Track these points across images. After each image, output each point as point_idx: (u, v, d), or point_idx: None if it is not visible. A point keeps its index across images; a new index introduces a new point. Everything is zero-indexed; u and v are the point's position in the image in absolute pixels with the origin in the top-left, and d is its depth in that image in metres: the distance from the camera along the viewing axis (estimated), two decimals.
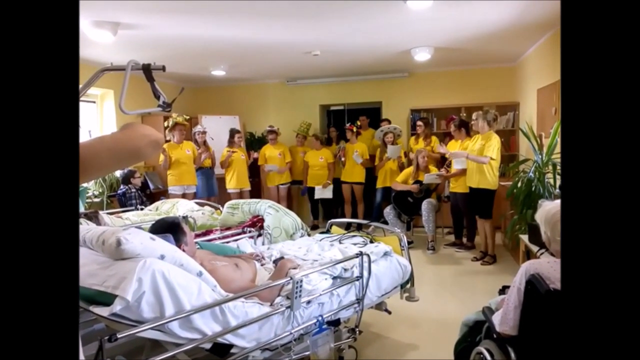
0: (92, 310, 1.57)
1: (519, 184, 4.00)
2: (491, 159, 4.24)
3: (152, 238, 1.74)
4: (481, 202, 4.40)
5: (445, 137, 6.26)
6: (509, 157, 6.01)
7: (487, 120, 4.36)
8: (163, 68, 1.77)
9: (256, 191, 6.57)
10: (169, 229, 1.97)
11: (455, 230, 5.25)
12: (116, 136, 0.85)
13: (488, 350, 1.71)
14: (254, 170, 6.51)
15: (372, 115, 6.86)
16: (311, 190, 6.28)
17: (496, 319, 1.67)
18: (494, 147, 4.26)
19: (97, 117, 5.83)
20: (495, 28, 4.33)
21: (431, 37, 4.63)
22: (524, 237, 3.44)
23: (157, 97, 1.79)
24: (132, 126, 0.90)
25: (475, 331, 2.01)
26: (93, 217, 2.93)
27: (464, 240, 5.14)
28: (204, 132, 5.68)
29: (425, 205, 4.98)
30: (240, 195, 5.93)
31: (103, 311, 1.53)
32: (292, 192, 6.67)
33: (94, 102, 5.79)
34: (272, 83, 7.19)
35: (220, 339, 1.73)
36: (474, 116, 4.50)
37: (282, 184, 6.29)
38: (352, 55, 5.42)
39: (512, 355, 1.59)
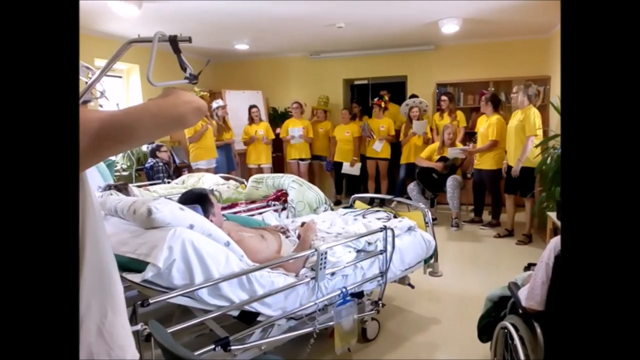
0: (125, 277, 1.63)
1: (548, 161, 3.89)
2: (535, 136, 4.15)
3: (182, 208, 1.78)
4: (524, 181, 4.29)
5: (472, 112, 6.11)
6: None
7: (528, 95, 4.23)
8: (189, 39, 1.77)
9: (279, 166, 6.61)
10: (197, 199, 2.01)
11: (476, 207, 5.19)
12: (159, 103, 0.84)
13: (513, 325, 1.71)
14: (277, 145, 6.53)
15: (397, 89, 6.73)
16: (337, 165, 6.27)
17: (522, 294, 1.66)
18: (534, 123, 4.15)
19: (124, 91, 5.92)
20: None
21: (460, 7, 4.46)
22: (552, 215, 3.37)
23: (184, 69, 1.79)
24: (175, 92, 0.88)
25: (500, 306, 2.00)
26: (123, 189, 3.00)
27: (486, 217, 5.07)
28: (225, 107, 5.71)
29: (450, 181, 4.91)
30: (260, 171, 5.98)
31: (135, 278, 1.59)
32: (314, 169, 6.67)
33: (121, 76, 5.87)
34: (295, 57, 7.11)
35: (247, 307, 1.78)
36: (514, 89, 4.36)
37: (302, 160, 6.28)
38: (377, 28, 5.29)
39: (538, 330, 1.58)
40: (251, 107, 6.11)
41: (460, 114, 5.71)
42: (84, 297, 0.78)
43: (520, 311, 1.68)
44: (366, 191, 6.17)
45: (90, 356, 0.78)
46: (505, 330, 1.76)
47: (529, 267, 2.15)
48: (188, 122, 0.87)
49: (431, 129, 5.80)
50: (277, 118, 6.90)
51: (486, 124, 4.79)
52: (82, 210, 0.78)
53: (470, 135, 5.58)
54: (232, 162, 5.87)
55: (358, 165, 6.10)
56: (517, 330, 1.68)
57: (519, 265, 2.74)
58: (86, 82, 2.21)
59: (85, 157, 0.73)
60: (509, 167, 4.42)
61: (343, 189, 6.66)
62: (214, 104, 5.66)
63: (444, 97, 5.69)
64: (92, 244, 0.79)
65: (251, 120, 6.07)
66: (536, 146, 4.22)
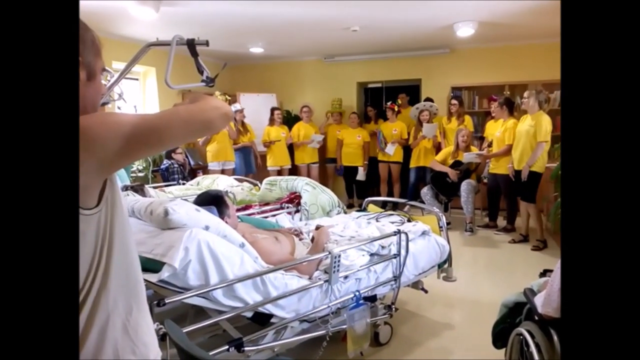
0: None
1: None
2: (545, 142, 4.11)
3: (197, 209, 1.80)
4: (526, 185, 4.25)
5: (487, 116, 6.06)
6: (554, 138, 5.74)
7: (539, 101, 4.20)
8: (206, 43, 1.79)
9: (293, 169, 6.63)
10: (212, 201, 2.03)
11: (491, 211, 5.14)
12: (189, 108, 0.86)
13: (529, 332, 1.68)
14: (288, 149, 6.55)
15: (411, 93, 6.71)
16: (346, 170, 6.27)
17: (538, 300, 1.64)
18: (545, 129, 4.12)
19: (140, 94, 6.01)
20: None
21: (475, 10, 4.44)
22: None
23: (201, 72, 1.82)
24: (203, 98, 0.90)
25: (515, 313, 1.97)
26: (139, 190, 3.04)
27: (501, 222, 5.02)
28: (242, 111, 5.76)
29: (464, 186, 4.87)
30: (280, 172, 6.01)
31: (152, 277, 1.61)
32: (327, 172, 6.67)
33: (137, 79, 5.96)
34: (309, 60, 7.14)
35: (261, 309, 1.79)
36: (525, 94, 4.33)
37: (312, 163, 6.30)
38: (392, 31, 5.28)
39: (555, 337, 1.55)
40: (274, 109, 6.16)
41: (468, 118, 5.66)
42: (111, 292, 0.80)
43: (537, 318, 1.66)
44: (378, 194, 6.16)
45: (115, 353, 0.80)
46: (521, 337, 1.74)
47: (545, 273, 2.12)
48: (216, 127, 0.89)
49: (441, 133, 5.76)
50: (290, 121, 6.93)
51: (502, 129, 4.75)
52: (111, 210, 0.80)
53: (481, 140, 5.52)
54: (250, 165, 5.91)
55: (366, 170, 6.12)
56: (533, 337, 1.66)
57: (534, 271, 2.71)
58: (105, 85, 2.26)
59: (116, 159, 0.75)
60: (516, 171, 4.38)
61: (354, 192, 6.65)
62: (232, 108, 5.71)
63: (453, 101, 5.66)
64: (120, 242, 0.81)
65: (272, 122, 6.11)
66: (553, 151, 4.17)
